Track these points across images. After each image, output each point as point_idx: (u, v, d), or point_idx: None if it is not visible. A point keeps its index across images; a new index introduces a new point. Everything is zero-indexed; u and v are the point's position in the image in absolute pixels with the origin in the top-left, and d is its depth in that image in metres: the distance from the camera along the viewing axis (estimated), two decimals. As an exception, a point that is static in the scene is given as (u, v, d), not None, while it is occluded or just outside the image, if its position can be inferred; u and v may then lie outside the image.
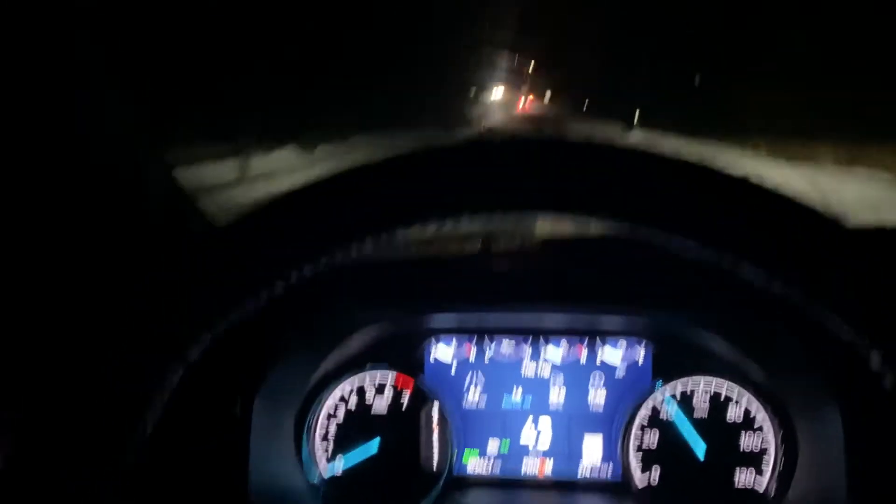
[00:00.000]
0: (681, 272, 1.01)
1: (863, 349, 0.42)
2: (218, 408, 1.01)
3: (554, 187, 0.46)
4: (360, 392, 1.18)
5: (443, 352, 1.21)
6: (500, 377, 1.19)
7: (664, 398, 1.12)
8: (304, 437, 1.16)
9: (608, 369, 1.17)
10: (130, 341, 0.49)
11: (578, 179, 0.45)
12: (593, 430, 1.17)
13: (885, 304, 0.40)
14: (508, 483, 1.18)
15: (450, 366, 1.20)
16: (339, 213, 0.48)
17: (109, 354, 0.49)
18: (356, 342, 1.16)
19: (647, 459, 1.12)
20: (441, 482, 1.14)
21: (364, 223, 0.48)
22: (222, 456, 1.00)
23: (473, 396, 1.20)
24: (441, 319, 1.18)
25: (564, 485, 1.17)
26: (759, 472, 1.09)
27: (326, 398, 1.17)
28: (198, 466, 0.99)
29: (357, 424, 1.17)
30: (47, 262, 0.88)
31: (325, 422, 1.17)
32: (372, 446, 1.16)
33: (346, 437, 1.17)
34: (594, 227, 0.48)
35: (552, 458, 1.18)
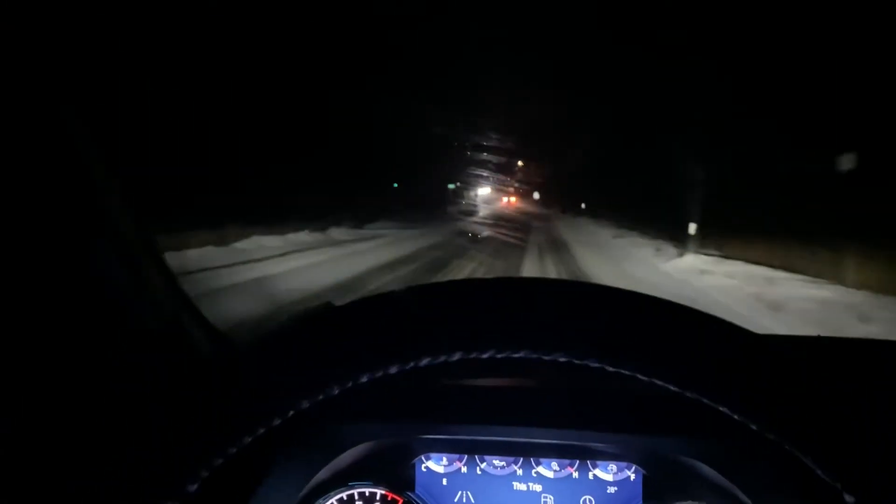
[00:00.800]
0: (674, 399, 1.03)
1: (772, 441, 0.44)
2: None
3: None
4: None
5: (434, 467, 1.20)
6: (492, 493, 1.18)
7: None
8: None
9: (600, 486, 1.16)
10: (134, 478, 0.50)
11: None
12: None
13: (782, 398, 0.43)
14: None
15: (441, 478, 1.20)
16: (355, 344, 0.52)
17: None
18: (348, 457, 1.16)
19: None
20: None
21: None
22: None
23: (464, 513, 1.18)
24: (433, 435, 1.18)
25: None
26: None
27: None
28: None
29: None
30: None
31: (314, 537, 1.16)
32: None
33: None
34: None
35: None
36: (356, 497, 1.18)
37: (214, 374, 0.53)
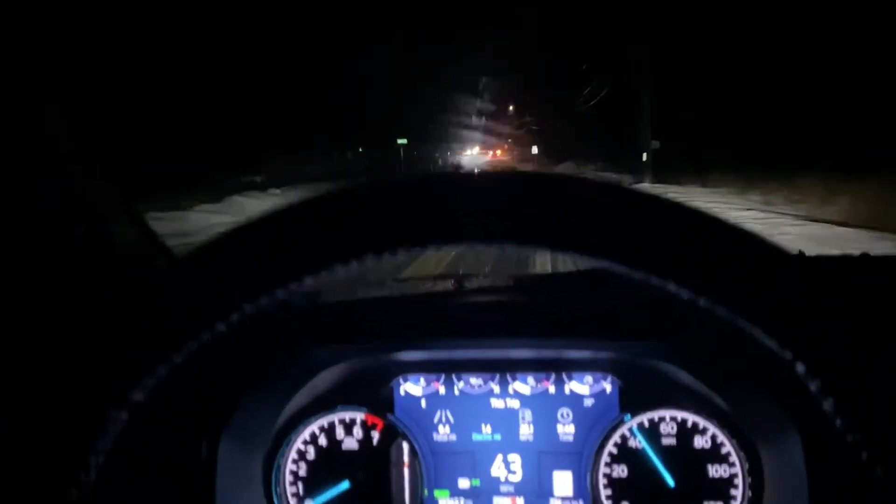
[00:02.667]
0: (645, 306, 1.04)
1: (788, 362, 0.43)
2: (183, 451, 1.00)
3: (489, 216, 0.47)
4: (330, 431, 1.17)
5: (412, 388, 1.21)
6: (470, 412, 1.20)
7: (632, 429, 1.13)
8: (274, 478, 1.15)
9: (576, 399, 1.18)
10: (73, 377, 0.49)
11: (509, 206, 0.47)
12: (563, 466, 1.17)
13: (804, 316, 0.41)
14: None
15: (419, 401, 1.20)
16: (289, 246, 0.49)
17: (48, 395, 0.48)
18: (324, 381, 1.16)
19: (618, 491, 1.13)
20: None
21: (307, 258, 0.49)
22: (187, 498, 0.99)
23: (443, 432, 1.20)
24: (409, 356, 1.18)
25: None
26: (728, 500, 1.10)
27: (296, 439, 1.17)
28: None
29: (328, 463, 1.17)
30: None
31: (295, 462, 1.17)
32: (343, 484, 1.15)
33: (317, 477, 1.16)
34: (559, 264, 0.49)
35: (522, 497, 1.18)
36: (336, 423, 1.18)
37: (157, 279, 0.50)
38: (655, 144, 17.58)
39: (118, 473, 0.96)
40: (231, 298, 0.49)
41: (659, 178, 17.09)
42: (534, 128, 45.98)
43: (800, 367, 0.40)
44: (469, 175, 0.48)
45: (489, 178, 0.49)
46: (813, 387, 0.39)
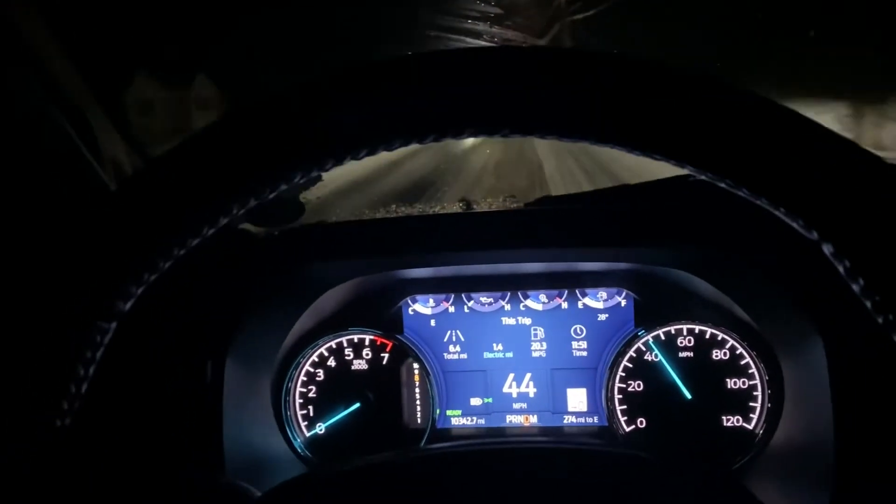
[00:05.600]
0: (663, 213, 0.99)
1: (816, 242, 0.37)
2: (188, 373, 0.98)
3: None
4: (339, 353, 1.15)
5: (421, 308, 1.18)
6: (481, 330, 1.17)
7: (648, 342, 1.10)
8: (284, 401, 1.14)
9: (590, 314, 1.15)
10: (51, 294, 0.45)
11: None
12: (577, 383, 1.15)
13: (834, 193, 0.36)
14: (493, 433, 1.17)
15: (429, 320, 1.18)
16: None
17: (28, 310, 0.45)
18: (330, 302, 1.14)
19: (633, 405, 1.10)
20: (425, 437, 1.12)
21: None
22: (194, 422, 0.98)
23: (454, 351, 1.17)
24: (417, 273, 1.15)
25: (550, 431, 1.16)
26: (747, 411, 1.07)
27: (304, 361, 1.15)
28: (168, 433, 0.96)
29: (337, 385, 1.15)
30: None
31: (305, 385, 1.15)
32: (353, 406, 1.14)
33: (327, 399, 1.15)
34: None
35: (536, 414, 1.16)
36: (345, 344, 1.16)
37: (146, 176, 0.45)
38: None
39: (120, 395, 0.95)
40: (217, 197, 0.45)
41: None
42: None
43: (827, 248, 0.35)
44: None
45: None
46: (842, 267, 0.35)
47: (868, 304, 0.34)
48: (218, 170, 0.44)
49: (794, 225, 0.34)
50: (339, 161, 0.44)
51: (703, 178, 0.35)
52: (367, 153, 0.43)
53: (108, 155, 0.95)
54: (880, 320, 0.34)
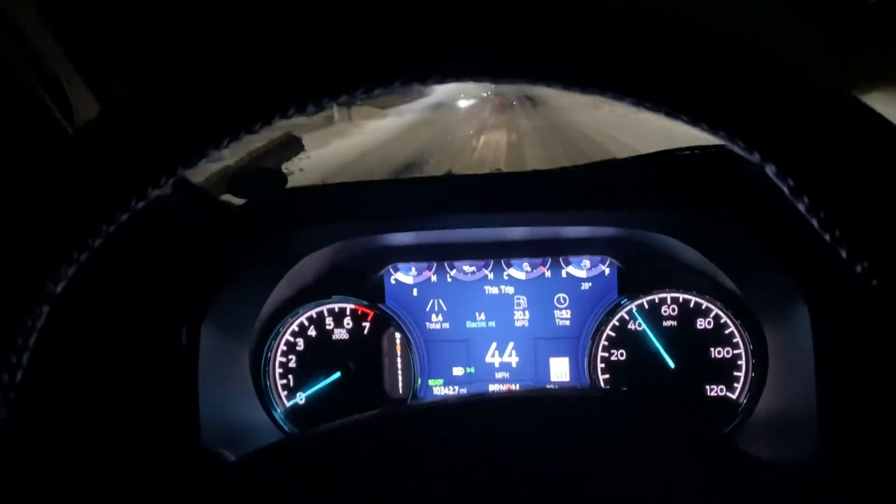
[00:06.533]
0: (645, 181, 0.97)
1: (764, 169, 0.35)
2: (163, 340, 0.97)
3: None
4: (320, 322, 1.14)
5: (403, 277, 1.16)
6: (463, 300, 1.15)
7: (631, 311, 1.09)
8: (263, 371, 1.12)
9: (573, 283, 1.13)
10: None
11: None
12: (559, 352, 1.14)
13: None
14: None
15: (411, 289, 1.16)
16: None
17: None
18: (310, 270, 1.12)
19: (616, 374, 1.09)
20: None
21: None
22: (169, 390, 0.96)
23: (436, 321, 1.16)
24: (398, 238, 1.13)
25: None
26: (731, 380, 1.06)
27: (284, 330, 1.13)
28: (143, 401, 0.95)
29: (318, 355, 1.14)
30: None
31: (284, 354, 1.14)
32: (334, 375, 1.13)
33: (307, 368, 1.13)
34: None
35: (518, 384, 1.15)
36: (326, 314, 1.14)
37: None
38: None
39: (94, 363, 0.93)
40: (177, 145, 0.43)
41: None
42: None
43: (770, 169, 0.33)
44: None
45: None
46: (786, 187, 0.33)
47: (814, 221, 0.32)
48: (183, 114, 0.42)
49: (736, 148, 0.33)
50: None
51: (642, 107, 0.33)
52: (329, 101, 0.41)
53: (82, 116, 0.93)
54: (827, 237, 0.32)
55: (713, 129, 0.33)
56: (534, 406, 0.54)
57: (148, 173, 0.41)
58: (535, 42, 0.34)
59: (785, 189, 0.33)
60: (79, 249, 0.42)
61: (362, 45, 0.38)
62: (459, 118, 16.73)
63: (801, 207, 0.33)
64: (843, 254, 0.32)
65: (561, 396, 0.59)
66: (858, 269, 0.32)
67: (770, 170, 0.33)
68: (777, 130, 0.32)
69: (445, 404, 0.60)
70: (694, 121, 0.33)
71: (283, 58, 0.39)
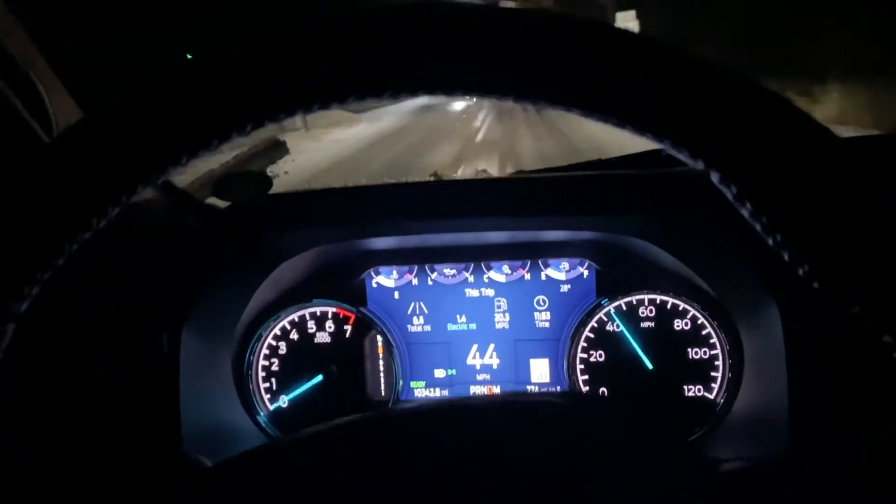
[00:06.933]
0: (625, 182, 0.99)
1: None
2: (144, 346, 0.97)
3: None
4: (302, 325, 1.14)
5: (384, 280, 1.17)
6: (444, 302, 1.16)
7: (609, 312, 1.10)
8: (246, 375, 1.13)
9: (553, 285, 1.15)
10: None
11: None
12: (539, 353, 1.15)
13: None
14: None
15: (392, 292, 1.17)
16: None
17: None
18: (291, 274, 1.12)
19: (595, 375, 1.11)
20: (388, 408, 1.12)
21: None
22: (150, 396, 0.97)
23: (417, 323, 1.17)
24: (379, 243, 1.14)
25: None
26: (708, 381, 1.08)
27: (266, 334, 1.14)
28: (123, 407, 0.95)
29: (300, 358, 1.14)
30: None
31: (267, 358, 1.14)
32: (316, 378, 1.13)
33: (290, 372, 1.14)
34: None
35: (499, 385, 1.16)
36: (308, 317, 1.15)
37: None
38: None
39: (73, 369, 0.93)
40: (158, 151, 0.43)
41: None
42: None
43: (714, 177, 0.34)
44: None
45: None
46: (730, 193, 0.34)
47: (757, 226, 0.34)
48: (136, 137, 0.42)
49: (682, 157, 0.34)
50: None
51: (591, 118, 0.34)
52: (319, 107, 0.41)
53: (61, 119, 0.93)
54: (770, 242, 0.34)
55: (657, 138, 0.34)
56: (511, 409, 0.55)
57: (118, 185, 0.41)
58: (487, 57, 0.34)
59: (729, 195, 0.34)
60: (42, 269, 0.42)
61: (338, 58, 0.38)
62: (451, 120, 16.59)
63: (744, 213, 0.34)
64: (786, 257, 0.34)
65: (543, 400, 0.60)
66: (800, 272, 0.34)
67: (714, 177, 0.34)
68: (718, 140, 0.33)
69: (427, 407, 0.61)
70: (639, 130, 0.34)
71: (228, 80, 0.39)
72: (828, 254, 0.33)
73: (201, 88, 0.38)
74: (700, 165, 0.34)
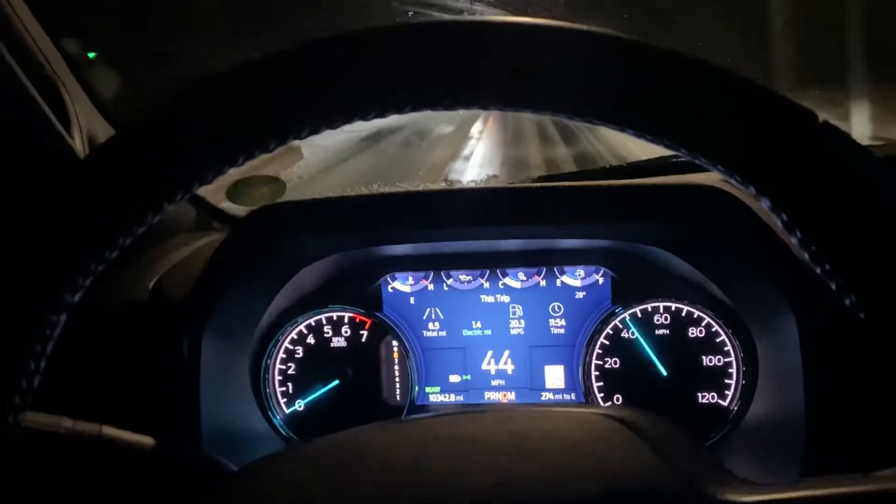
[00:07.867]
0: (639, 194, 0.99)
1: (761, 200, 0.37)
2: (165, 350, 0.98)
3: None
4: (318, 330, 1.16)
5: (400, 286, 1.18)
6: (460, 308, 1.17)
7: (624, 319, 1.11)
8: (263, 379, 1.14)
9: (568, 292, 1.15)
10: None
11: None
12: (554, 360, 1.16)
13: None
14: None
15: (408, 298, 1.18)
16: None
17: None
18: (309, 280, 1.14)
19: (610, 382, 1.11)
20: (403, 414, 1.13)
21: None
22: (172, 399, 0.98)
23: (433, 329, 1.18)
24: (396, 250, 1.15)
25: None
26: (722, 388, 1.08)
27: (283, 339, 1.15)
28: (144, 410, 0.96)
29: (317, 363, 1.16)
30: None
31: (284, 362, 1.16)
32: (333, 383, 1.15)
33: (306, 376, 1.15)
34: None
35: (514, 391, 1.17)
36: (324, 322, 1.16)
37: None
38: None
39: (96, 373, 0.95)
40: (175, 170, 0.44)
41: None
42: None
43: (765, 203, 0.35)
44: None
45: None
46: (780, 220, 0.35)
47: (806, 255, 0.34)
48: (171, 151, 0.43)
49: (733, 182, 0.34)
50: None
51: (643, 139, 0.35)
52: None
53: (84, 129, 0.94)
54: (818, 270, 0.34)
55: (710, 163, 0.35)
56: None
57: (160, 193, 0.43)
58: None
59: (779, 222, 0.34)
60: (97, 262, 0.44)
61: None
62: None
63: (794, 241, 0.34)
64: (833, 287, 0.34)
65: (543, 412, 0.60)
66: (847, 302, 0.34)
67: (765, 203, 0.34)
68: (771, 168, 0.34)
69: (443, 415, 0.61)
70: (691, 154, 0.35)
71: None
72: (875, 287, 0.33)
73: (254, 97, 0.40)
74: (751, 191, 0.34)
